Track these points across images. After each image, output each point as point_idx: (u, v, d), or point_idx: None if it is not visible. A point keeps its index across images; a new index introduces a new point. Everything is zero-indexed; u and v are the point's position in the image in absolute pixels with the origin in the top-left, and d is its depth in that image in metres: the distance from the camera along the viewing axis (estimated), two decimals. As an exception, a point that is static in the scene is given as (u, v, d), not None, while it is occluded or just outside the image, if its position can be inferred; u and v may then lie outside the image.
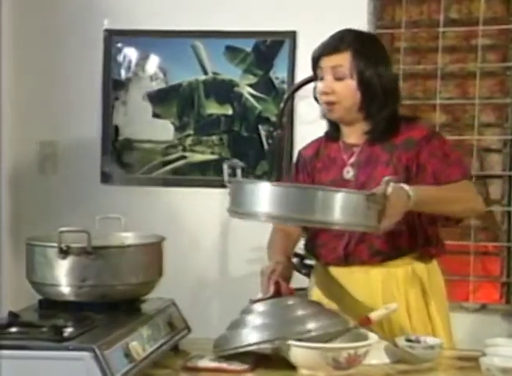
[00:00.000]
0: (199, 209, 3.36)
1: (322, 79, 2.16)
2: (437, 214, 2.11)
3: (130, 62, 3.40)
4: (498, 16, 3.23)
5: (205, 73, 3.36)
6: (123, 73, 3.41)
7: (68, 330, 1.76)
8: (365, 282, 2.17)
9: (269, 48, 3.31)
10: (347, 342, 1.89)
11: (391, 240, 2.13)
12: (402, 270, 2.17)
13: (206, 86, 3.36)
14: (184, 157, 3.37)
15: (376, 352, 1.94)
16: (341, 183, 2.15)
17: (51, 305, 1.98)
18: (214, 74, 3.35)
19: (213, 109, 3.37)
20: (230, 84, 3.34)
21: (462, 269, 3.23)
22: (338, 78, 2.13)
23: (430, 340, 2.01)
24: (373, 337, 1.90)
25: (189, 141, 3.38)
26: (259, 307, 1.95)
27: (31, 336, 1.74)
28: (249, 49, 3.32)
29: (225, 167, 1.94)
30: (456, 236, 3.24)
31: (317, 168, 2.25)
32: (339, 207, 1.82)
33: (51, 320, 1.85)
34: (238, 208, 1.91)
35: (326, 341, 1.87)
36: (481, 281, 3.25)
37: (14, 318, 1.87)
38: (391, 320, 2.11)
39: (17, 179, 3.44)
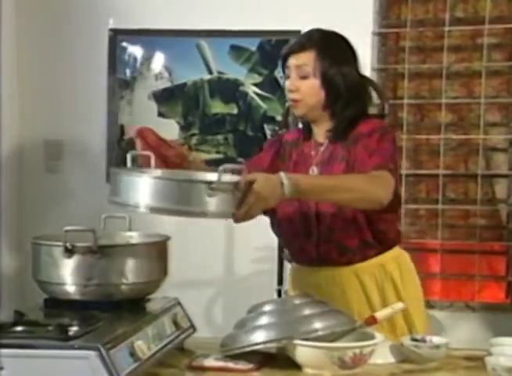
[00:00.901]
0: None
1: (288, 77, 2.21)
2: (328, 202, 2.11)
3: (135, 61, 3.41)
4: (504, 15, 3.23)
5: (210, 72, 3.36)
6: (128, 72, 3.41)
7: (73, 329, 1.76)
8: (336, 282, 2.21)
9: (274, 47, 3.30)
10: (352, 342, 1.88)
11: (355, 235, 2.17)
12: (372, 269, 2.22)
13: (211, 85, 3.36)
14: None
15: (381, 352, 1.94)
16: None
17: (56, 304, 1.98)
18: (219, 73, 3.35)
19: (218, 108, 3.37)
20: (235, 84, 3.34)
21: (467, 269, 3.22)
22: (302, 77, 2.18)
23: (436, 339, 2.01)
24: (378, 336, 1.90)
25: (194, 140, 3.38)
26: (266, 306, 1.95)
27: (37, 335, 1.74)
28: (254, 48, 3.32)
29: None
30: (462, 236, 3.23)
31: (292, 160, 2.29)
32: (192, 197, 1.80)
33: (56, 319, 1.85)
34: (116, 198, 1.89)
35: (332, 341, 1.87)
36: (487, 280, 3.24)
37: (19, 317, 1.87)
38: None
39: (22, 178, 3.44)
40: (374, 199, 2.04)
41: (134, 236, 2.14)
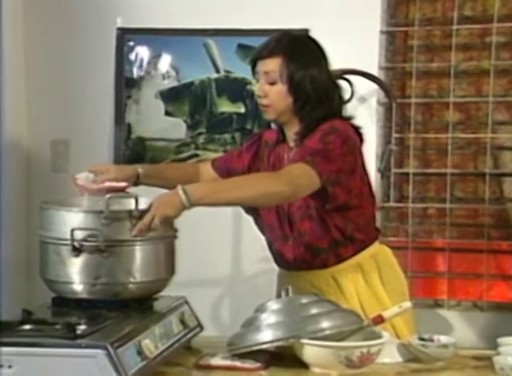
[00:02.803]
0: (210, 207, 3.35)
1: (258, 82, 2.23)
2: (233, 203, 2.17)
3: (142, 60, 3.41)
4: (512, 14, 3.21)
5: (217, 71, 3.35)
6: (135, 71, 3.41)
7: (81, 328, 1.76)
8: (315, 286, 2.23)
9: (282, 46, 3.30)
10: (359, 341, 1.88)
11: (324, 235, 2.19)
12: (349, 270, 2.23)
13: (218, 84, 3.35)
14: (196, 155, 3.37)
15: (388, 351, 1.93)
16: None
17: (64, 303, 1.99)
18: (227, 72, 3.35)
19: (225, 107, 3.36)
20: (242, 83, 3.34)
21: (475, 268, 3.21)
22: (270, 83, 2.20)
23: (444, 339, 2.00)
24: (385, 335, 1.90)
25: (201, 139, 3.38)
26: (273, 305, 1.95)
27: (44, 333, 1.75)
28: (261, 47, 3.32)
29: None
30: (470, 235, 3.22)
31: (270, 161, 2.31)
32: None
33: (64, 318, 1.85)
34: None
35: (339, 340, 1.87)
36: (495, 280, 3.23)
37: (27, 315, 1.88)
38: None
39: (29, 178, 3.44)
40: (274, 193, 2.03)
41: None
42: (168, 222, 1.98)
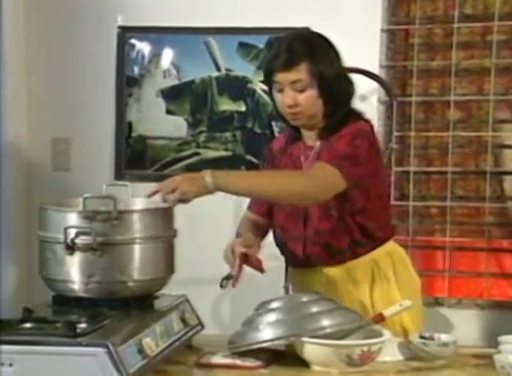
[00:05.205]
0: (211, 206, 3.35)
1: (281, 91, 2.17)
2: (255, 196, 2.19)
3: (143, 58, 3.40)
4: (513, 12, 3.21)
5: (218, 69, 3.35)
6: (136, 69, 3.41)
7: (81, 326, 1.76)
8: (330, 281, 2.21)
9: (282, 44, 3.30)
10: (360, 339, 1.88)
11: (345, 235, 2.18)
12: (364, 265, 2.22)
13: (219, 83, 3.35)
14: (197, 154, 3.37)
15: (389, 349, 1.93)
16: None
17: (64, 301, 1.99)
18: (227, 70, 3.35)
19: (226, 105, 3.36)
20: (243, 81, 3.34)
21: (476, 266, 3.21)
22: (299, 90, 2.15)
23: (444, 337, 2.00)
24: (386, 334, 1.90)
25: (202, 137, 3.37)
26: (274, 303, 1.95)
27: (45, 332, 1.75)
28: (262, 46, 3.31)
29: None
30: (470, 233, 3.22)
31: (282, 164, 2.30)
32: None
33: (64, 316, 1.86)
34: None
35: (340, 338, 1.87)
36: (495, 278, 3.23)
37: (28, 314, 1.88)
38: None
39: (30, 176, 3.44)
40: (299, 194, 2.06)
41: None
42: (185, 200, 1.98)
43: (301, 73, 2.14)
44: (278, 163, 2.31)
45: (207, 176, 1.95)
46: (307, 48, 2.15)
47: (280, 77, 2.15)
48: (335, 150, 2.12)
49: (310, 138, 2.25)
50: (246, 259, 2.11)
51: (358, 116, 2.23)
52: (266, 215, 2.33)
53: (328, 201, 2.16)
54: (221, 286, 2.06)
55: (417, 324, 2.25)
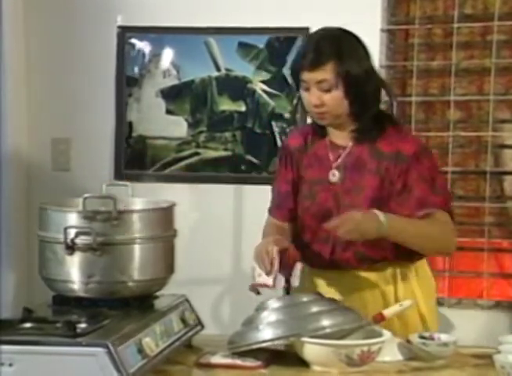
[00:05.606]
0: (212, 205, 3.36)
1: (307, 89, 2.16)
2: (408, 246, 2.14)
3: (143, 58, 3.40)
4: (513, 12, 3.21)
5: (218, 69, 3.35)
6: (136, 69, 3.41)
7: (81, 326, 1.76)
8: (353, 284, 2.19)
9: (282, 44, 3.29)
10: (360, 339, 1.88)
11: (377, 247, 2.15)
12: (390, 271, 2.20)
13: (219, 83, 3.35)
14: (197, 154, 3.37)
15: (389, 349, 1.93)
16: (327, 186, 2.20)
17: (64, 301, 1.99)
18: (227, 70, 3.35)
19: (226, 105, 3.36)
20: (243, 81, 3.34)
21: (476, 266, 3.21)
22: (325, 90, 2.14)
23: (444, 337, 2.00)
24: (386, 334, 1.90)
25: (202, 137, 3.37)
26: (274, 303, 1.95)
27: (45, 332, 1.75)
28: (262, 46, 3.32)
29: None
30: (470, 233, 3.22)
31: (304, 164, 2.26)
32: None
33: (64, 316, 1.86)
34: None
35: (340, 338, 1.87)
36: (495, 278, 3.23)
37: (28, 314, 1.88)
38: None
39: (30, 176, 3.44)
40: (448, 250, 2.25)
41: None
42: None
43: (327, 73, 2.12)
44: (298, 161, 2.27)
45: (379, 225, 2.03)
46: (334, 48, 2.13)
47: (306, 76, 2.14)
48: (437, 188, 2.16)
49: (340, 137, 2.22)
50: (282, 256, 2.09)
51: (390, 118, 2.24)
52: (289, 220, 2.29)
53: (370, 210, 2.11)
54: (258, 293, 2.05)
55: (435, 319, 2.26)
